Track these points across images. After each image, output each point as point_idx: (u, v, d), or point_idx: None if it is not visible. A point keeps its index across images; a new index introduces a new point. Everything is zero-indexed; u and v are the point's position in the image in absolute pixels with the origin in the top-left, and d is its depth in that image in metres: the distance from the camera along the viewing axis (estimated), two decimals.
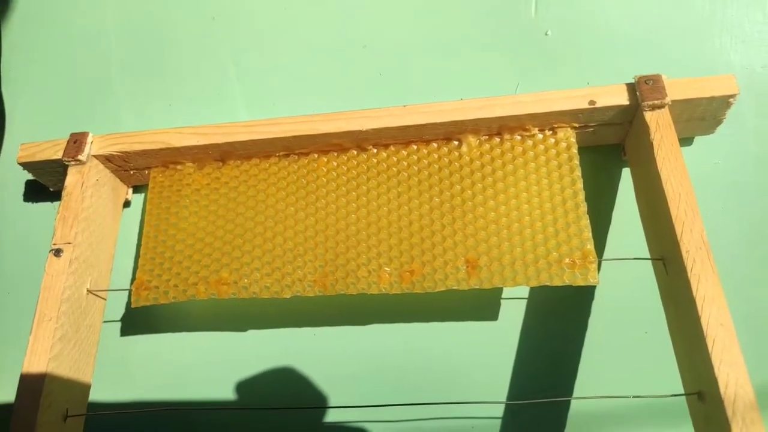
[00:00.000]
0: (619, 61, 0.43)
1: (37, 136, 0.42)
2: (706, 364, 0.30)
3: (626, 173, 0.41)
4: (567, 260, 0.35)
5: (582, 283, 0.34)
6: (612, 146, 0.40)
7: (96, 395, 0.45)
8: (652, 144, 0.34)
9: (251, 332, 0.45)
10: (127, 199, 0.45)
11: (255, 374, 0.44)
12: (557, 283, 0.34)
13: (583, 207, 0.36)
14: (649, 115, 0.35)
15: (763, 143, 0.41)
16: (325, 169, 0.40)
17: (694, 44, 0.42)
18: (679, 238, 0.32)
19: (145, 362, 0.46)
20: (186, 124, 0.42)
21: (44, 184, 0.44)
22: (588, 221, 0.35)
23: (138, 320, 0.46)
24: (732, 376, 0.29)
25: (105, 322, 0.46)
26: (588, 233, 0.35)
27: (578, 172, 0.37)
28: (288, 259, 0.37)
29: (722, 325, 0.30)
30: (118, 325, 0.46)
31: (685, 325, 0.32)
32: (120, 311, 0.46)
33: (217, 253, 0.38)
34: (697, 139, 0.41)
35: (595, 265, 0.34)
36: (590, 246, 0.35)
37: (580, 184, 0.36)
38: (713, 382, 0.29)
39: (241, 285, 0.37)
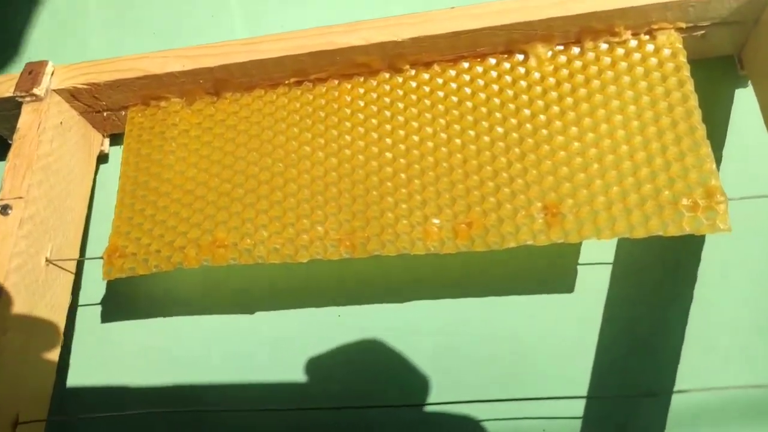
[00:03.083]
0: None
1: None
2: None
3: (742, 93, 0.31)
4: (685, 200, 0.25)
5: (708, 231, 0.25)
6: (722, 59, 0.31)
7: (71, 394, 0.36)
8: None
9: (260, 315, 0.36)
10: (102, 150, 0.36)
11: (266, 366, 0.36)
12: (673, 231, 0.25)
13: (702, 131, 0.26)
14: None
15: None
16: (348, 98, 0.30)
17: None
18: None
19: (132, 353, 0.37)
20: None
21: (2, 135, 0.36)
22: (709, 149, 0.26)
23: (122, 302, 0.37)
24: None
25: (81, 305, 0.38)
26: (711, 164, 0.26)
27: (690, 86, 0.27)
28: (304, 212, 0.28)
29: None
30: (98, 309, 0.38)
31: None
32: (100, 291, 0.38)
33: (211, 208, 0.29)
34: None
35: (724, 206, 0.25)
36: (716, 181, 0.25)
37: (693, 101, 0.27)
38: None
39: (242, 247, 0.28)
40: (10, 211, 0.28)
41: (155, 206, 0.30)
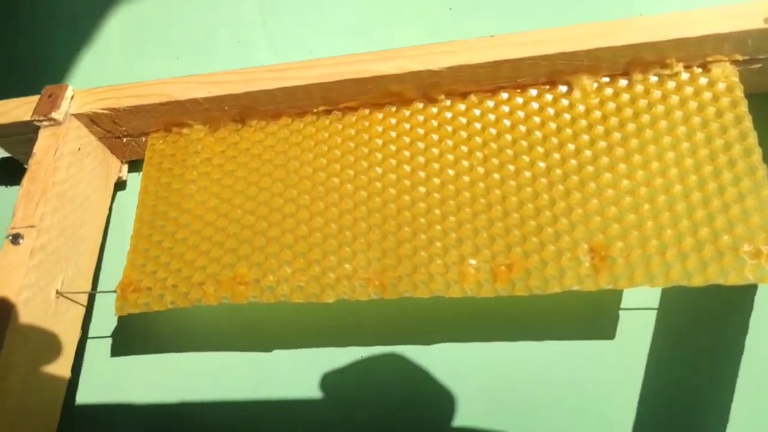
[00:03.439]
0: None
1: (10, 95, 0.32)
2: None
3: None
4: (747, 247, 0.23)
5: None
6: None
7: (78, 430, 0.35)
8: None
9: (277, 353, 0.34)
10: (120, 177, 0.34)
11: (282, 407, 0.33)
12: (734, 281, 0.23)
13: (763, 171, 0.24)
14: None
15: None
16: (380, 128, 0.29)
17: None
18: None
19: (141, 389, 0.35)
20: None
21: (18, 160, 0.35)
22: None
23: (134, 336, 0.35)
24: None
25: (90, 338, 0.36)
26: None
27: (748, 123, 0.25)
28: (331, 249, 0.26)
29: None
30: (108, 342, 0.36)
31: None
32: (110, 324, 0.36)
33: (233, 242, 0.28)
34: None
35: None
36: None
37: (753, 139, 0.25)
38: None
39: (264, 285, 0.26)
40: (21, 241, 0.27)
41: (173, 238, 0.29)
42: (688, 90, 0.26)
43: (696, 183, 0.25)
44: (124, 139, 0.32)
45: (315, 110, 0.30)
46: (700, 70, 0.27)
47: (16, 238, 0.27)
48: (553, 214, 0.25)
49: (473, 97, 0.28)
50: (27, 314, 0.26)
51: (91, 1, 0.38)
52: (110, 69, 0.36)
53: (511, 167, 0.27)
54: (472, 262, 0.25)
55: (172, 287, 0.27)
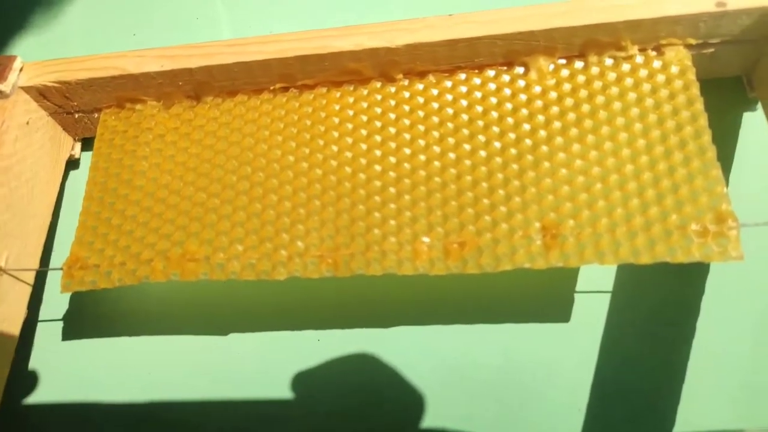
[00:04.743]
0: None
1: None
2: None
3: (751, 117, 0.30)
4: (694, 225, 0.23)
5: (719, 259, 0.23)
6: (729, 80, 0.29)
7: (26, 414, 0.34)
8: None
9: (233, 336, 0.33)
10: (72, 155, 0.34)
11: (237, 390, 0.33)
12: (681, 258, 0.23)
13: (712, 152, 0.25)
14: None
15: None
16: (337, 107, 0.29)
17: None
18: None
19: (95, 372, 0.34)
20: None
21: None
22: (720, 171, 0.24)
23: (87, 319, 0.34)
24: None
25: (41, 321, 0.35)
26: (722, 188, 0.24)
27: (700, 105, 0.26)
28: (283, 227, 0.26)
29: None
30: (59, 324, 0.35)
31: None
32: (62, 307, 0.35)
33: (184, 219, 0.27)
34: None
35: (737, 233, 0.23)
36: (727, 206, 0.24)
37: (703, 121, 0.25)
38: None
39: (215, 262, 0.26)
40: None
41: (123, 215, 0.28)
42: (642, 72, 0.27)
43: (647, 163, 0.25)
44: (76, 115, 0.32)
45: (272, 87, 0.29)
46: (654, 53, 0.27)
47: None
48: (506, 193, 0.25)
49: (431, 77, 0.28)
50: None
51: None
52: (65, 44, 0.35)
53: (467, 146, 0.27)
54: (425, 240, 0.25)
55: (120, 264, 0.27)
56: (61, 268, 0.27)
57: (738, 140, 0.30)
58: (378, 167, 0.27)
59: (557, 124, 0.26)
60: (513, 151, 0.26)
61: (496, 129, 0.27)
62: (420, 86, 0.28)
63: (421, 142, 0.27)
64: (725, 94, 0.30)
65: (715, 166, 0.24)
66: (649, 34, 0.26)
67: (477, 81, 0.28)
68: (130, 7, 0.35)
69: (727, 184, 0.30)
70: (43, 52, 0.35)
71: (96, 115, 0.31)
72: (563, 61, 0.27)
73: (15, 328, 0.28)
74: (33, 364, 0.34)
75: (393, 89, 0.28)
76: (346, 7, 0.34)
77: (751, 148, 0.30)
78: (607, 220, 0.24)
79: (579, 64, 0.27)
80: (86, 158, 0.35)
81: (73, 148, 0.33)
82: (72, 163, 0.34)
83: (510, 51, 0.27)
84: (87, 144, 0.35)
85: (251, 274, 0.25)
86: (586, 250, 0.24)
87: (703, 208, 0.24)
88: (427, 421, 0.30)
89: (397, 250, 0.25)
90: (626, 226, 0.24)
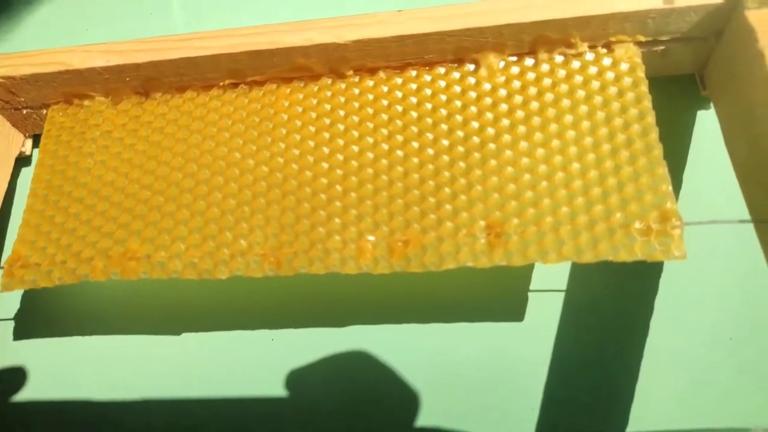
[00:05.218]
0: None
1: None
2: None
3: (704, 115, 0.30)
4: (638, 224, 0.23)
5: (662, 258, 0.23)
6: (682, 78, 0.29)
7: None
8: (761, 54, 0.23)
9: (186, 336, 0.33)
10: (23, 152, 0.33)
11: (192, 391, 0.32)
12: (624, 257, 0.23)
13: (658, 150, 0.24)
14: (754, 15, 0.24)
15: None
16: (286, 103, 0.28)
17: None
18: None
19: (46, 373, 0.34)
20: None
21: None
22: (665, 170, 0.24)
23: (38, 319, 0.34)
24: None
25: None
26: (667, 186, 0.24)
27: (647, 103, 0.25)
28: (227, 224, 0.26)
29: None
30: (10, 324, 0.34)
31: None
32: (14, 305, 0.34)
33: (127, 217, 0.27)
34: None
35: (679, 232, 0.23)
36: (672, 204, 0.23)
37: (651, 119, 0.25)
38: None
39: (155, 260, 0.25)
40: None
41: (66, 213, 0.27)
42: (592, 70, 0.26)
43: (594, 161, 0.25)
44: (24, 111, 0.31)
45: (221, 84, 0.29)
46: (604, 50, 0.27)
47: None
48: (453, 191, 0.25)
49: (382, 74, 0.28)
50: None
51: None
52: (16, 39, 0.35)
53: (415, 144, 0.26)
54: (370, 238, 0.25)
55: (61, 263, 0.26)
56: (2, 267, 0.27)
57: (692, 138, 0.30)
58: (325, 164, 0.26)
59: (505, 122, 0.26)
60: (460, 148, 0.26)
61: (444, 126, 0.26)
62: (370, 83, 0.28)
63: (370, 140, 0.27)
64: (680, 92, 0.30)
65: (661, 164, 0.24)
66: (599, 31, 0.26)
67: (427, 78, 0.28)
68: (84, 2, 0.34)
69: (680, 183, 0.30)
70: None
71: (45, 112, 0.31)
72: (514, 59, 0.27)
73: None
74: None
75: (343, 86, 0.28)
76: (304, 3, 0.33)
77: (704, 147, 0.30)
78: (552, 219, 0.24)
79: (529, 62, 0.27)
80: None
81: (23, 145, 0.33)
82: (23, 160, 0.34)
83: (460, 48, 0.27)
84: (38, 140, 0.34)
85: (193, 273, 0.25)
86: (530, 248, 0.23)
87: (647, 206, 0.23)
88: (372, 419, 0.30)
89: (341, 249, 0.25)
90: (570, 224, 0.24)
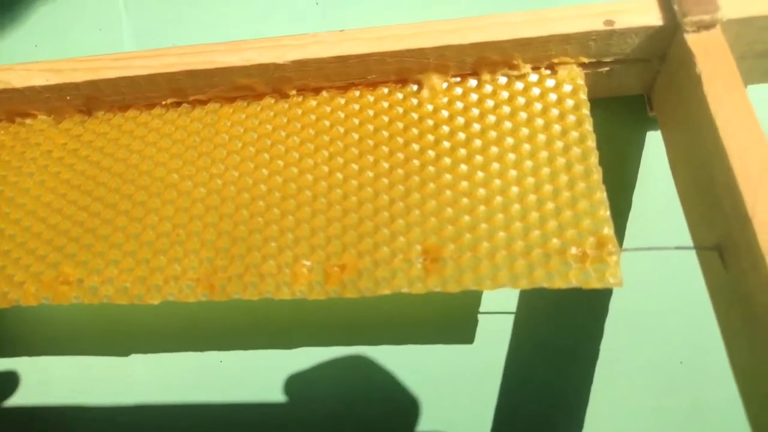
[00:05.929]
0: None
1: None
2: None
3: (652, 136, 0.30)
4: (574, 250, 0.23)
5: (597, 285, 0.22)
6: (632, 99, 0.29)
7: None
8: (699, 79, 0.23)
9: (135, 357, 0.32)
10: None
11: (140, 413, 0.32)
12: (559, 284, 0.22)
13: (597, 174, 0.24)
14: (692, 39, 0.24)
15: None
16: (228, 123, 0.28)
17: None
18: (750, 213, 0.20)
19: None
20: None
21: None
22: (604, 194, 0.24)
23: None
24: None
25: None
26: (605, 211, 0.23)
27: (588, 126, 0.25)
28: (161, 248, 0.25)
29: None
30: None
31: (761, 346, 0.20)
32: None
33: (61, 239, 0.26)
34: (751, 91, 0.29)
35: (616, 258, 0.22)
36: (609, 230, 0.23)
37: (591, 143, 0.25)
38: None
39: (87, 285, 0.25)
40: None
41: (2, 234, 0.27)
42: (535, 91, 0.26)
43: (533, 185, 0.24)
44: None
45: (164, 103, 0.28)
46: (548, 71, 0.26)
47: None
48: (390, 215, 0.25)
49: (325, 94, 0.28)
50: None
51: None
52: None
53: (355, 166, 0.26)
54: (306, 263, 0.24)
55: None
56: None
57: (642, 160, 0.30)
58: (263, 186, 0.26)
59: (446, 144, 0.26)
60: (400, 171, 0.25)
61: (385, 149, 0.26)
62: (313, 103, 0.28)
63: (310, 161, 0.26)
64: (629, 113, 0.30)
65: (599, 188, 0.24)
66: (540, 53, 0.26)
67: (370, 98, 0.27)
68: (33, 16, 0.34)
69: (630, 205, 0.29)
70: None
71: None
72: (457, 79, 0.27)
73: None
74: None
75: (286, 105, 0.28)
76: (246, 18, 0.33)
77: (654, 169, 0.29)
78: (488, 245, 0.23)
79: (473, 83, 0.27)
80: None
81: None
82: None
83: (402, 68, 0.27)
84: None
85: (124, 298, 0.24)
86: (465, 275, 0.23)
87: (584, 232, 0.23)
88: None
89: (276, 273, 0.24)
90: (507, 250, 0.23)
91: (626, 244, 0.29)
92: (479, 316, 0.30)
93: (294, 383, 0.31)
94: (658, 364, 0.29)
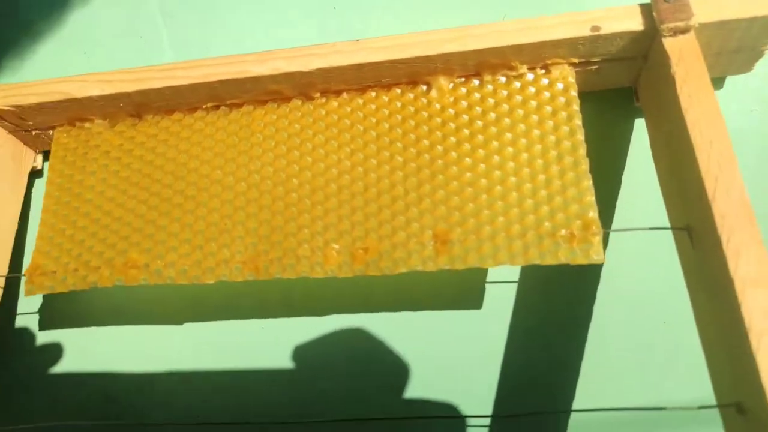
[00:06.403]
0: None
1: None
2: (747, 368, 0.22)
3: (640, 123, 0.33)
4: (563, 232, 0.27)
5: (582, 261, 0.26)
6: (621, 90, 0.32)
7: (8, 402, 0.38)
8: (674, 79, 0.26)
9: (188, 326, 0.38)
10: (35, 166, 0.37)
11: (192, 375, 0.37)
12: (550, 261, 0.26)
13: (585, 165, 0.28)
14: (669, 43, 0.27)
15: None
16: (261, 124, 0.32)
17: None
18: (711, 200, 0.24)
19: (68, 362, 0.38)
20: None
21: None
22: (590, 182, 0.27)
23: (58, 311, 0.39)
24: None
25: (19, 314, 0.39)
26: (590, 197, 0.27)
27: (578, 121, 0.29)
28: (211, 236, 0.30)
29: None
30: (35, 317, 0.39)
31: (719, 315, 0.24)
32: (37, 302, 0.39)
33: (127, 230, 0.31)
34: (729, 81, 0.32)
35: (599, 238, 0.26)
36: (593, 214, 0.27)
37: (580, 136, 0.28)
38: (759, 391, 0.21)
39: (153, 268, 0.30)
40: None
41: (75, 226, 0.31)
42: (531, 89, 0.30)
43: (528, 175, 0.28)
44: (34, 132, 0.35)
45: (204, 106, 0.32)
46: (542, 71, 0.30)
47: None
48: (405, 204, 0.29)
49: (345, 95, 0.31)
50: None
51: None
52: (25, 69, 0.38)
53: (374, 161, 0.30)
54: (335, 246, 0.29)
55: (73, 271, 0.30)
56: (24, 275, 0.31)
57: (630, 147, 0.33)
58: (295, 180, 0.30)
59: (452, 140, 0.29)
60: (413, 165, 0.29)
61: (399, 144, 0.30)
62: (335, 104, 0.31)
63: (335, 157, 0.30)
64: (618, 102, 0.33)
65: (586, 177, 0.27)
66: (535, 56, 0.29)
67: (385, 98, 0.31)
68: (80, 25, 0.37)
69: (619, 188, 0.33)
70: (2, 73, 0.38)
71: (51, 132, 0.35)
72: (462, 80, 0.30)
73: None
74: (15, 352, 0.38)
75: (311, 107, 0.31)
76: (274, 26, 0.36)
77: (640, 153, 0.33)
78: (490, 228, 0.27)
79: (476, 83, 0.30)
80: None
81: (35, 160, 0.37)
82: (35, 173, 0.38)
83: (412, 72, 0.30)
84: (48, 155, 0.38)
85: (184, 279, 0.29)
86: (470, 254, 0.27)
87: (572, 216, 0.27)
88: (346, 405, 0.34)
89: (310, 256, 0.29)
90: (505, 233, 0.27)
91: (617, 222, 0.33)
92: (486, 285, 0.34)
93: (322, 344, 0.36)
94: (645, 326, 0.33)
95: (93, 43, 0.37)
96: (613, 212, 0.32)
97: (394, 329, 0.35)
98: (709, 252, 0.24)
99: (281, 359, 0.36)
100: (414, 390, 0.34)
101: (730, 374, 0.24)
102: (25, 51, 0.38)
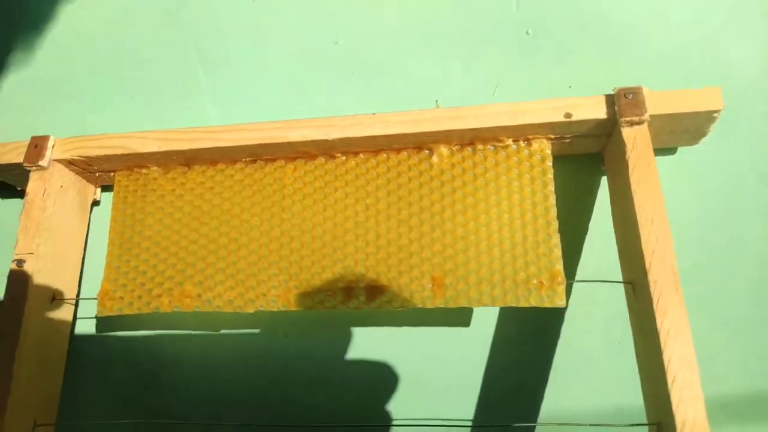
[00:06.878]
0: (604, 57, 0.40)
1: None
2: (665, 398, 0.29)
3: (606, 183, 0.39)
4: (535, 281, 0.34)
5: (548, 305, 0.33)
6: (592, 154, 0.38)
7: (69, 397, 0.45)
8: (627, 163, 0.33)
9: (225, 332, 0.45)
10: (95, 198, 0.44)
11: (228, 377, 0.45)
12: (523, 304, 0.33)
13: (555, 225, 0.34)
14: (626, 132, 0.33)
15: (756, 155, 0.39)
16: (292, 177, 0.38)
17: (684, 38, 0.40)
18: (647, 267, 0.31)
19: (120, 360, 0.46)
20: (150, 118, 0.41)
21: (11, 184, 0.43)
22: (558, 240, 0.34)
23: (112, 321, 0.46)
24: (690, 415, 0.28)
25: (79, 318, 0.46)
26: (558, 253, 0.34)
27: (551, 187, 0.35)
28: (252, 272, 0.37)
29: (685, 361, 0.29)
30: (93, 322, 0.46)
31: (649, 354, 0.31)
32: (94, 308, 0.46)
33: (182, 264, 0.38)
34: (681, 149, 0.39)
35: (563, 287, 0.33)
36: (559, 266, 0.34)
37: (552, 200, 0.35)
38: (671, 417, 0.29)
39: (204, 298, 0.37)
40: (24, 264, 0.36)
41: (138, 259, 0.38)
42: (515, 159, 0.36)
43: (508, 232, 0.35)
44: (97, 174, 0.41)
45: (244, 160, 0.39)
46: (524, 143, 0.36)
47: (20, 263, 0.36)
48: (409, 253, 0.35)
49: (362, 156, 0.38)
50: (33, 317, 0.36)
51: (54, 46, 0.45)
52: (80, 109, 0.45)
53: (385, 214, 0.36)
54: (353, 286, 0.36)
55: (138, 297, 0.37)
56: (96, 298, 0.38)
57: (595, 203, 0.40)
58: (320, 229, 0.37)
59: (449, 199, 0.36)
60: (416, 219, 0.36)
61: (406, 200, 0.36)
62: (353, 163, 0.38)
63: (352, 210, 0.37)
64: (588, 165, 0.39)
65: (555, 235, 0.34)
66: (519, 133, 0.35)
67: (395, 160, 0.37)
68: (128, 76, 0.44)
69: (580, 243, 0.40)
70: (61, 119, 0.44)
71: (111, 174, 0.41)
72: (458, 147, 0.37)
73: (64, 341, 0.40)
74: (75, 347, 0.46)
75: (333, 165, 0.38)
76: (305, 87, 0.43)
77: (600, 211, 0.39)
78: (476, 276, 0.34)
79: (469, 150, 0.37)
80: (105, 198, 0.45)
81: (96, 194, 0.43)
82: (95, 203, 0.44)
83: (418, 140, 0.36)
84: (105, 187, 0.45)
85: (230, 307, 0.36)
86: (460, 297, 0.34)
87: (542, 268, 0.34)
88: (347, 411, 0.42)
89: (333, 296, 0.36)
90: (489, 280, 0.34)
91: (582, 268, 0.39)
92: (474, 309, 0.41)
93: (332, 354, 0.43)
94: (603, 344, 0.40)
95: (139, 90, 0.43)
96: (578, 260, 0.39)
97: (396, 340, 0.42)
98: (644, 305, 0.31)
99: (300, 362, 0.43)
100: (404, 394, 0.42)
101: (654, 400, 0.31)
102: (77, 96, 0.44)
